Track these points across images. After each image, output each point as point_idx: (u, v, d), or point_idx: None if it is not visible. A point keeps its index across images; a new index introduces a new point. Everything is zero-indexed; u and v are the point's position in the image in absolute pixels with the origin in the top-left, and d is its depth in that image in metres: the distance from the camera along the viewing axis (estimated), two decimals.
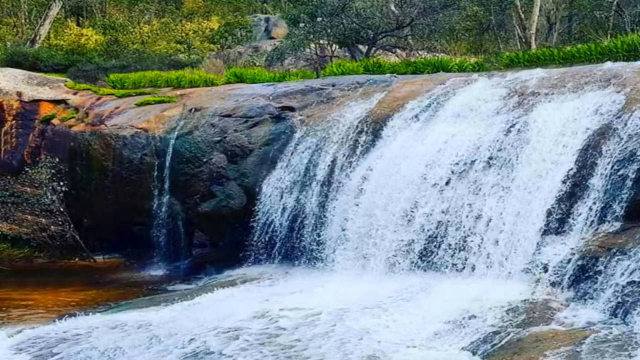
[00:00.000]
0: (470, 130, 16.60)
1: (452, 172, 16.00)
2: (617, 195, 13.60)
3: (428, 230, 15.65)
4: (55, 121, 23.71)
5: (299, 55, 33.70)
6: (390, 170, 16.89)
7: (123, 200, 22.02)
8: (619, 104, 14.83)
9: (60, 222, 22.45)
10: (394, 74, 22.22)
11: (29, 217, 22.92)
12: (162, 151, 21.44)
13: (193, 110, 22.03)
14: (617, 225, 13.39)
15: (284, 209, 19.02)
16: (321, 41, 32.99)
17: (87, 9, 43.55)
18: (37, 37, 35.51)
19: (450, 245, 15.22)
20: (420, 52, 32.61)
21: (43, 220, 22.71)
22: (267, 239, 19.08)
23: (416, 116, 18.01)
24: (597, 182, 14.02)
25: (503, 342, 11.80)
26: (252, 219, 19.48)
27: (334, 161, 18.58)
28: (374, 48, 32.06)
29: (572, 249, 13.56)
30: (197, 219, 21.21)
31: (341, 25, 31.10)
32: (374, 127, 18.34)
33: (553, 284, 13.36)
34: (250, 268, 18.99)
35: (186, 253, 21.70)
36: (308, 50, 33.29)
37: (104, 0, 44.11)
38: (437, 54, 30.62)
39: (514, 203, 14.79)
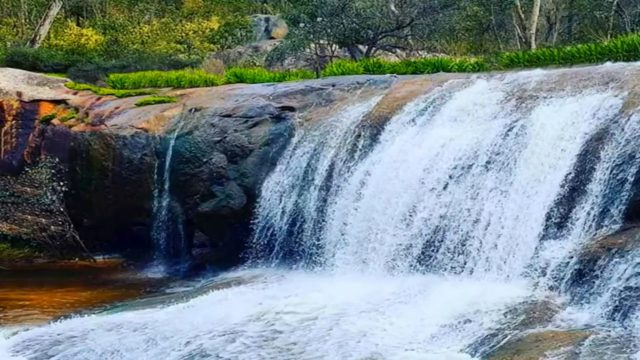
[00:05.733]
0: (472, 127, 16.57)
1: (454, 168, 15.94)
2: (618, 194, 13.55)
3: (426, 235, 15.58)
4: (55, 121, 23.71)
5: (299, 55, 33.69)
6: (391, 168, 16.84)
7: (123, 200, 22.01)
8: (621, 101, 14.76)
9: (60, 222, 22.44)
10: (394, 74, 22.23)
11: (29, 217, 22.91)
12: (162, 151, 21.44)
13: (193, 110, 22.03)
14: (618, 224, 13.33)
15: (284, 208, 19.02)
16: (321, 41, 32.97)
17: (87, 9, 43.53)
18: (37, 37, 35.48)
19: (448, 249, 15.16)
20: (420, 52, 32.60)
21: (43, 220, 22.70)
22: (267, 237, 19.11)
23: (418, 114, 17.97)
24: (598, 177, 13.94)
25: (504, 341, 11.80)
26: (252, 218, 19.49)
27: (335, 158, 18.57)
28: (374, 48, 32.05)
29: (573, 246, 13.52)
30: (197, 219, 21.20)
31: (341, 25, 31.09)
32: (375, 125, 18.31)
33: (551, 288, 13.29)
34: (251, 267, 19.02)
35: (186, 253, 21.70)
36: (308, 50, 33.28)
37: (104, 0, 44.10)
38: (437, 54, 30.61)
39: (516, 200, 14.73)
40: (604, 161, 14.02)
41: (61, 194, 22.40)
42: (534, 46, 29.04)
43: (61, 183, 22.37)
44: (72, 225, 22.48)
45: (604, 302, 12.31)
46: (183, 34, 40.01)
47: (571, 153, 14.56)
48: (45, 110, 24.19)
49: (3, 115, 24.22)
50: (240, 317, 14.07)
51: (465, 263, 14.81)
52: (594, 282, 12.73)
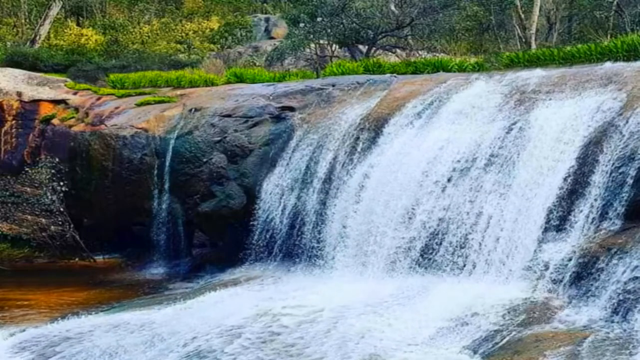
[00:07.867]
0: (472, 128, 16.57)
1: (454, 169, 15.95)
2: (618, 194, 13.56)
3: (429, 228, 15.59)
4: (55, 121, 23.71)
5: (299, 55, 33.70)
6: (391, 168, 16.86)
7: (123, 200, 22.01)
8: (621, 102, 14.79)
9: (60, 222, 22.44)
10: (394, 74, 22.21)
11: (29, 217, 22.92)
12: (162, 151, 21.44)
13: (193, 110, 22.03)
14: (618, 224, 13.35)
15: (284, 208, 19.03)
16: (321, 41, 32.99)
17: (87, 9, 43.52)
18: (37, 37, 35.49)
19: (451, 243, 15.17)
20: (420, 52, 32.61)
21: (43, 220, 22.71)
22: (267, 237, 19.11)
23: (418, 114, 17.97)
24: (597, 177, 13.95)
25: (503, 342, 11.81)
26: (252, 218, 19.49)
27: (335, 158, 18.56)
28: (374, 48, 32.05)
29: (573, 247, 13.52)
30: (197, 219, 21.21)
31: (341, 25, 31.11)
32: (375, 125, 18.33)
33: (554, 282, 13.32)
34: (251, 267, 19.02)
35: (186, 253, 21.71)
36: (308, 50, 33.29)
37: (104, 0, 44.10)
38: (437, 54, 30.62)
39: (515, 201, 14.73)
40: (603, 162, 14.01)
41: (61, 194, 22.40)
42: (534, 46, 29.06)
43: (61, 183, 22.37)
44: (72, 225, 22.49)
45: (603, 303, 12.31)
46: (183, 34, 40.01)
47: (570, 155, 14.57)
48: (45, 110, 24.19)
49: (3, 115, 24.23)
50: (239, 318, 14.06)
51: (464, 265, 14.80)
52: (593, 283, 12.73)
